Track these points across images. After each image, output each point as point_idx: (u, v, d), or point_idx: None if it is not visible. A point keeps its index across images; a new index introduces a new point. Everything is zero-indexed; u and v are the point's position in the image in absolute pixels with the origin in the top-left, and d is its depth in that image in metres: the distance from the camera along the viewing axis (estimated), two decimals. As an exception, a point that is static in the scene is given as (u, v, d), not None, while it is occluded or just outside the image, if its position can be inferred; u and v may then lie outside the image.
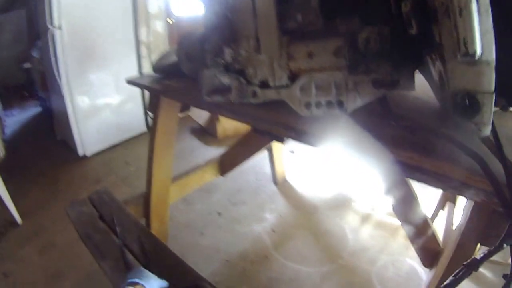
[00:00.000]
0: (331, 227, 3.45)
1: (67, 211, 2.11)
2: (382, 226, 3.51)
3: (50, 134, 5.29)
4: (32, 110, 6.77)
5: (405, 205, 2.04)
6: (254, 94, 1.36)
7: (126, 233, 1.93)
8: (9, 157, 4.82)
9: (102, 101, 4.47)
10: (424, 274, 2.96)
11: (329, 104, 1.21)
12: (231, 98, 1.40)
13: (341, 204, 3.77)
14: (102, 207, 2.13)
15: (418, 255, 2.30)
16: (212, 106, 1.46)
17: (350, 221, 3.57)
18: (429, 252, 2.21)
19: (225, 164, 3.03)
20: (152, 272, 1.39)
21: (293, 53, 1.26)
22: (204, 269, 2.73)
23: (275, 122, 1.30)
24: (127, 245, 1.83)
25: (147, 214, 2.47)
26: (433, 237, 2.18)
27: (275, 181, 3.91)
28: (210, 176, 2.99)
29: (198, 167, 2.97)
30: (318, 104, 1.23)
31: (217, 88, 1.36)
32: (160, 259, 1.70)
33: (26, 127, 6.12)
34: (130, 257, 1.72)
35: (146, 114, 5.11)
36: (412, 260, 3.13)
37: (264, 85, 1.34)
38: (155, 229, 2.56)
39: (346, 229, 3.43)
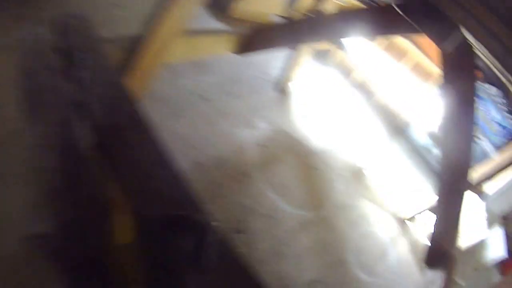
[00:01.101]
0: (321, 169, 2.97)
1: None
2: (369, 191, 3.13)
3: None
4: None
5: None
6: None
7: (87, 80, 1.18)
8: None
9: None
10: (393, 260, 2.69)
11: None
12: None
13: (337, 155, 3.27)
14: (67, 37, 1.29)
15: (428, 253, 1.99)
16: None
17: (341, 171, 3.11)
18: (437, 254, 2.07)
19: (249, 43, 2.21)
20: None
21: None
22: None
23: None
24: (83, 100, 1.09)
25: (129, 63, 1.67)
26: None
27: (280, 88, 3.19)
28: (223, 48, 2.16)
29: (213, 33, 2.11)
30: None
31: None
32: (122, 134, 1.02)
33: None
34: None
35: None
36: (390, 239, 2.85)
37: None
38: (132, 86, 1.79)
39: (334, 179, 2.98)
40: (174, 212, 0.84)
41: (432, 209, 2.85)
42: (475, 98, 1.75)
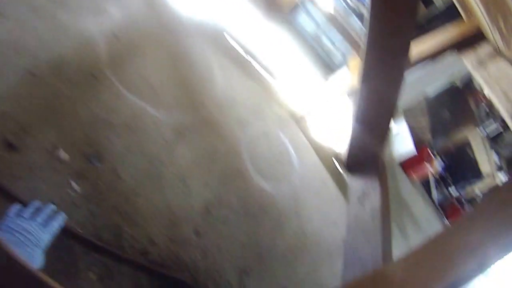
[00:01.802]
0: (197, 60, 2.38)
1: None
2: (257, 79, 2.71)
3: None
4: None
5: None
6: None
7: None
8: None
9: None
10: (297, 162, 2.44)
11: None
12: None
13: (218, 38, 2.67)
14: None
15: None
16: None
17: (223, 60, 2.58)
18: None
19: None
20: None
21: None
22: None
23: None
24: None
25: None
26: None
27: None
28: None
29: None
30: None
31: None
32: None
33: None
34: None
35: None
36: (287, 138, 2.55)
37: None
38: None
39: (215, 70, 2.44)
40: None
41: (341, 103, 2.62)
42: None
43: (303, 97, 2.87)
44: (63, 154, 1.32)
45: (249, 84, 2.64)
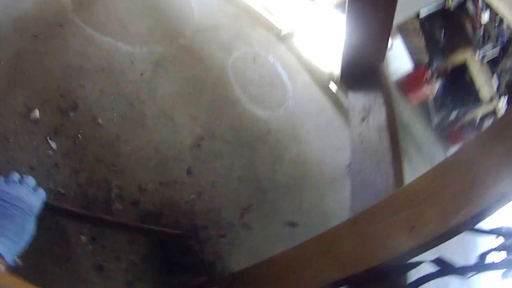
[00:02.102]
0: None
1: None
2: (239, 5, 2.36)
3: None
4: None
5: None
6: None
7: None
8: None
9: None
10: (289, 84, 2.21)
11: None
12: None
13: None
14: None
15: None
16: None
17: None
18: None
19: None
20: None
21: None
22: None
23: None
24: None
25: None
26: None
27: None
28: None
29: None
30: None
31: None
32: None
33: None
34: None
35: None
36: (276, 61, 2.28)
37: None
38: None
39: None
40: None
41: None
42: None
43: (289, 15, 2.53)
44: (37, 113, 1.16)
45: (231, 10, 2.29)
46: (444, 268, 0.90)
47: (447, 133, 4.86)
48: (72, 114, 1.25)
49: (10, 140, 1.09)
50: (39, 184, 0.82)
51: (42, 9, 1.39)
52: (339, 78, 1.94)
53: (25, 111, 1.15)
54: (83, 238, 1.13)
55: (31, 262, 0.92)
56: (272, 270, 1.20)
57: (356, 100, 1.70)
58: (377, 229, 0.95)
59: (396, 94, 4.00)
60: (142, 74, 1.55)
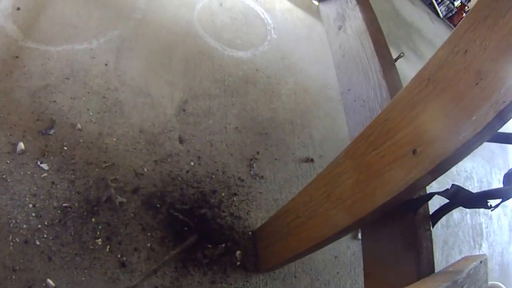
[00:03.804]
0: None
1: None
2: None
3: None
4: None
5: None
6: None
7: None
8: None
9: None
10: (267, 16, 1.97)
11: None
12: None
13: None
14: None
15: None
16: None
17: None
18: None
19: None
20: None
21: None
22: None
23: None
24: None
25: None
26: None
27: None
28: None
29: None
30: None
31: None
32: None
33: None
34: None
35: None
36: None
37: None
38: None
39: None
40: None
41: None
42: None
43: None
44: (22, 146, 1.20)
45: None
46: (461, 196, 0.75)
47: (454, 21, 4.30)
48: (52, 131, 1.28)
49: (9, 180, 1.12)
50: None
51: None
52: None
53: (11, 148, 1.18)
54: (99, 241, 1.16)
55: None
56: (288, 220, 1.14)
57: (328, 9, 1.45)
58: (376, 158, 0.81)
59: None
60: (106, 64, 1.48)
